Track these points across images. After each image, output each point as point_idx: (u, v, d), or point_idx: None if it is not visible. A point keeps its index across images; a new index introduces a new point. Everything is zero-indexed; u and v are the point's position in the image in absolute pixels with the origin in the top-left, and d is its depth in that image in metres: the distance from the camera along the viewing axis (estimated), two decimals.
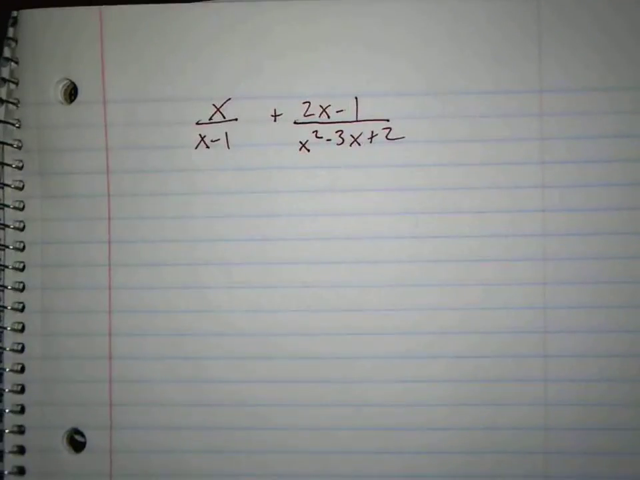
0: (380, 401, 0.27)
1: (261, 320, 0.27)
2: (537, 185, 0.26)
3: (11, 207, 0.28)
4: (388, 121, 0.27)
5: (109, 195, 0.28)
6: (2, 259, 0.28)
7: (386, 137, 0.27)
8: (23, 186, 0.28)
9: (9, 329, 0.28)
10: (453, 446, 0.27)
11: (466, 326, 0.26)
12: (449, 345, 0.26)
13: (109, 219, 0.28)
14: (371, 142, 0.27)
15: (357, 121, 0.27)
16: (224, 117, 0.27)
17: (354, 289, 0.27)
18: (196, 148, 0.27)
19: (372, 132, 0.27)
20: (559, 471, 0.26)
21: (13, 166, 0.28)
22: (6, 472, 0.28)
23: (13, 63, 0.28)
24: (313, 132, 0.27)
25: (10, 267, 0.28)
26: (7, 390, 0.28)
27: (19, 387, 0.28)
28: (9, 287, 0.28)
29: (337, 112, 0.27)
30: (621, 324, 0.26)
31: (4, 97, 0.28)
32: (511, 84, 0.26)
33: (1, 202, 0.28)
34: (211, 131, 0.27)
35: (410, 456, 0.27)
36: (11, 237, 0.28)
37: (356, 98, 0.27)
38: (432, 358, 0.27)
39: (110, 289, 0.28)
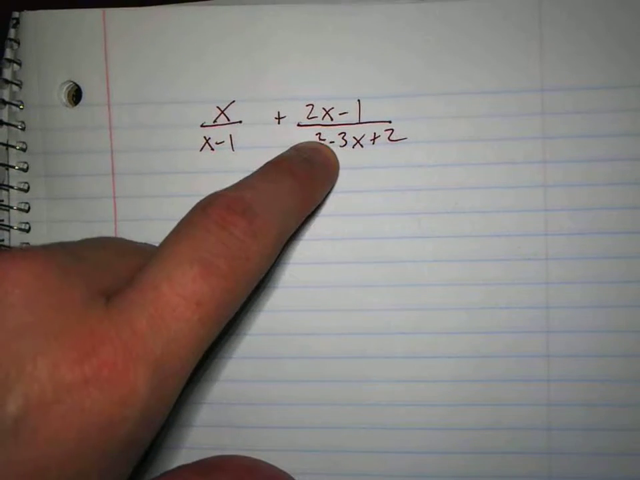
0: (381, 401, 0.27)
1: (261, 320, 0.27)
2: (539, 185, 0.26)
3: (15, 208, 0.28)
4: (390, 122, 0.27)
5: (114, 197, 0.28)
6: None
7: (388, 138, 0.27)
8: (28, 188, 0.28)
9: None
10: (455, 446, 0.27)
11: (468, 326, 0.27)
12: (451, 345, 0.27)
13: (115, 220, 0.28)
14: (373, 143, 0.27)
15: (359, 122, 0.27)
16: (228, 120, 0.27)
17: (356, 288, 0.27)
18: (201, 150, 0.27)
19: (374, 134, 0.27)
20: (562, 471, 0.26)
21: (17, 168, 0.28)
22: None
23: (16, 65, 0.28)
24: (317, 134, 0.27)
25: None
26: None
27: None
28: None
29: (340, 114, 0.27)
30: (625, 324, 0.26)
31: (7, 99, 0.28)
32: (512, 83, 0.26)
33: (6, 204, 0.28)
34: (215, 134, 0.27)
35: (411, 456, 0.27)
36: (16, 238, 0.28)
37: (358, 100, 0.27)
38: (434, 358, 0.27)
39: None
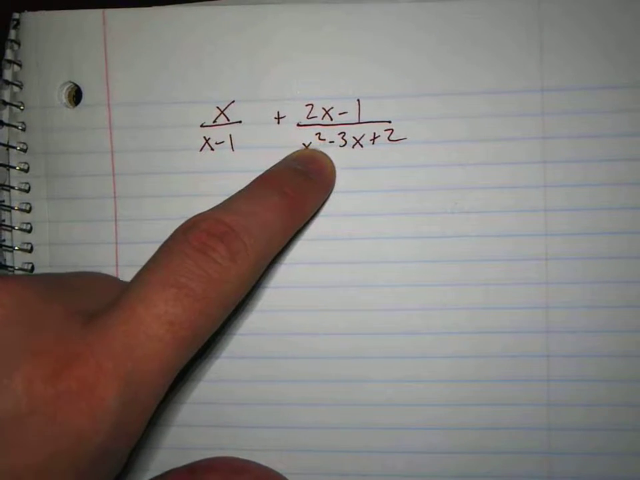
0: (382, 401, 0.27)
1: (259, 320, 0.27)
2: (539, 185, 0.26)
3: (17, 208, 0.28)
4: (390, 122, 0.27)
5: (114, 197, 0.28)
6: (11, 260, 0.29)
7: (388, 138, 0.27)
8: (29, 188, 0.28)
9: None
10: (455, 446, 0.27)
11: (468, 326, 0.27)
12: (451, 345, 0.27)
13: (115, 220, 0.28)
14: (373, 143, 0.27)
15: (359, 122, 0.27)
16: (228, 120, 0.27)
17: (356, 288, 0.27)
18: (200, 150, 0.27)
19: (374, 133, 0.27)
20: (562, 471, 0.26)
21: (18, 168, 0.28)
22: None
23: (16, 66, 0.28)
24: (316, 134, 0.27)
25: (17, 268, 0.28)
26: None
27: None
28: None
29: (340, 114, 0.27)
30: (624, 324, 0.26)
31: (8, 100, 0.28)
32: (512, 83, 0.26)
33: (7, 204, 0.28)
34: (215, 134, 0.27)
35: (412, 455, 0.27)
36: (18, 238, 0.29)
37: (358, 100, 0.27)
38: (434, 358, 0.27)
39: None
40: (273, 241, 0.23)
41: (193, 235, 0.21)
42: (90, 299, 0.20)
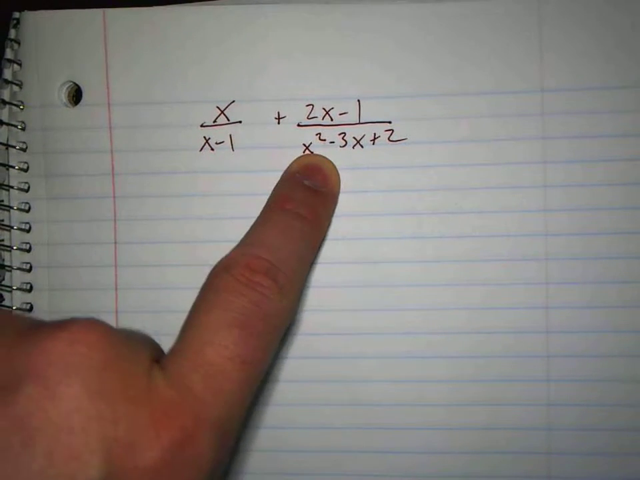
0: (381, 401, 0.27)
1: None
2: (539, 185, 0.26)
3: (16, 208, 0.28)
4: (390, 122, 0.27)
5: (114, 197, 0.28)
6: (9, 260, 0.28)
7: (388, 138, 0.27)
8: (29, 188, 0.28)
9: None
10: (455, 446, 0.27)
11: (468, 326, 0.27)
12: (451, 345, 0.27)
13: (115, 220, 0.28)
14: (373, 144, 0.27)
15: (359, 123, 0.27)
16: (228, 120, 0.27)
17: (356, 288, 0.27)
18: (200, 150, 0.27)
19: (374, 134, 0.27)
20: (562, 471, 0.26)
21: (17, 168, 0.28)
22: None
23: (16, 65, 0.28)
24: (317, 134, 0.27)
25: (16, 267, 0.28)
26: None
27: None
28: (15, 288, 0.28)
29: (340, 114, 0.27)
30: (624, 324, 0.26)
31: (7, 99, 0.28)
32: (512, 84, 0.26)
33: (6, 204, 0.28)
34: (215, 134, 0.27)
35: (411, 456, 0.27)
36: (17, 238, 0.28)
37: (358, 100, 0.27)
38: (434, 358, 0.27)
39: (116, 289, 0.28)
40: (305, 265, 0.24)
41: (237, 271, 0.21)
42: (150, 344, 0.20)
